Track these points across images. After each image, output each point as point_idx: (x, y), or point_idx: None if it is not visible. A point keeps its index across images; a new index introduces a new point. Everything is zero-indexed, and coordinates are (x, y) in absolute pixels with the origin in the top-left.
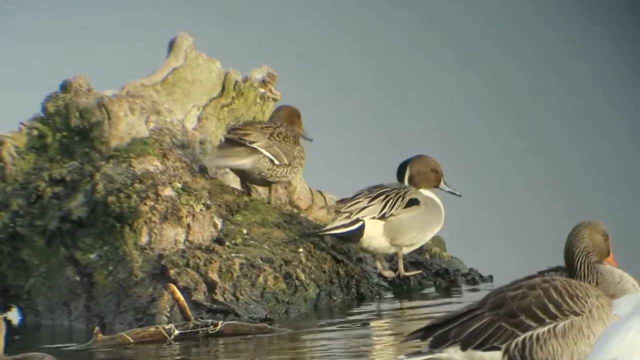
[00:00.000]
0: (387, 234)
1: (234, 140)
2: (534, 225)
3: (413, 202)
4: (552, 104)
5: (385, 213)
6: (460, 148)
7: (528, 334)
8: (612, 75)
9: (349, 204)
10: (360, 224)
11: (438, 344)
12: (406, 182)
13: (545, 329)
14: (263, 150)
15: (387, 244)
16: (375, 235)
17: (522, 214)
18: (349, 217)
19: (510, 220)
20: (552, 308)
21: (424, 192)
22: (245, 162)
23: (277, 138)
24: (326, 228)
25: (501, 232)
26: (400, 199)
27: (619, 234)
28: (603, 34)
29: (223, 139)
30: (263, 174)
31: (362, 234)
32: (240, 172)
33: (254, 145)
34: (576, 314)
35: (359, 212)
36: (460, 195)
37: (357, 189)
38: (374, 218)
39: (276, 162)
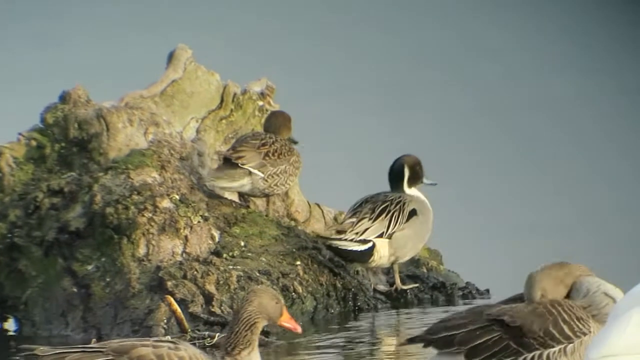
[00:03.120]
0: (392, 251)
1: (231, 162)
2: (531, 239)
3: (413, 214)
4: (551, 117)
5: (390, 231)
6: (458, 161)
7: (537, 352)
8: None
9: (356, 226)
10: (370, 244)
11: (442, 346)
12: (406, 186)
13: (557, 348)
14: (256, 172)
15: (390, 260)
16: (383, 254)
17: (520, 228)
18: (356, 238)
19: (508, 234)
20: (566, 329)
21: (415, 193)
22: (243, 182)
23: (272, 156)
24: (336, 243)
25: (498, 246)
26: (402, 212)
27: (617, 244)
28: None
29: (221, 161)
30: (266, 191)
31: (372, 255)
32: (239, 192)
33: (246, 167)
34: (584, 334)
35: (364, 232)
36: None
37: (353, 202)
38: (380, 236)
39: (269, 181)
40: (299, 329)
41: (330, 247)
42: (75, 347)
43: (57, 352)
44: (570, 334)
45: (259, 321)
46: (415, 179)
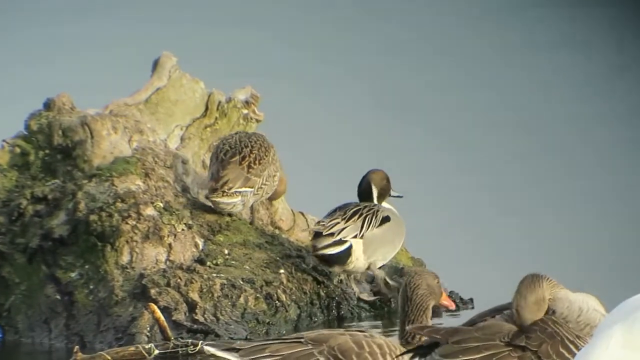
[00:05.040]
0: (366, 252)
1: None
2: (515, 248)
3: (385, 220)
4: (538, 129)
5: (364, 232)
6: (442, 169)
7: None
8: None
9: (329, 226)
10: (348, 244)
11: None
12: (375, 200)
13: None
14: (245, 189)
15: (366, 263)
16: (359, 254)
17: (504, 237)
18: (332, 238)
19: (492, 243)
20: (573, 348)
21: (386, 205)
22: (233, 201)
23: (254, 165)
24: (319, 247)
25: (482, 255)
26: (375, 216)
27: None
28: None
29: (210, 192)
30: (259, 201)
31: (350, 255)
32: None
33: (234, 190)
34: None
35: (340, 232)
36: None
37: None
38: (355, 237)
39: (259, 192)
40: (454, 306)
41: (316, 256)
42: (273, 338)
43: (256, 344)
44: (576, 351)
45: (430, 303)
46: (383, 194)
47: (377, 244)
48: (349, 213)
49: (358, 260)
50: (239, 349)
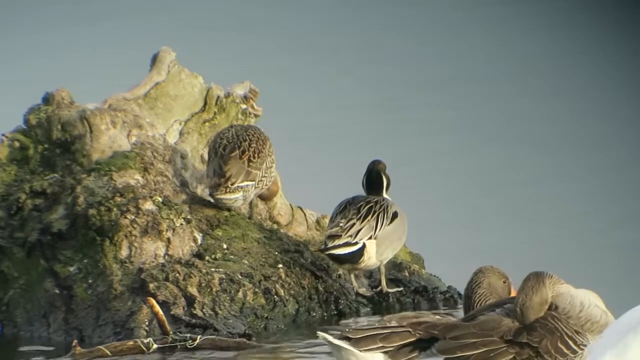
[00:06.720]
0: (379, 251)
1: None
2: (513, 244)
3: (394, 216)
4: (540, 124)
5: (377, 232)
6: (442, 165)
7: None
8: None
9: (346, 228)
10: (361, 244)
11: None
12: (385, 192)
13: None
14: (247, 183)
15: (377, 261)
16: (372, 254)
17: (501, 231)
18: (348, 240)
19: (491, 239)
20: (571, 344)
21: (389, 198)
22: (236, 196)
23: (254, 159)
24: (329, 246)
25: (481, 251)
26: (385, 213)
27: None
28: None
29: (212, 185)
30: (259, 193)
31: (362, 255)
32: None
33: (237, 185)
34: (585, 346)
35: (357, 235)
36: None
37: (335, 205)
38: (370, 238)
39: (260, 185)
40: None
41: (329, 256)
42: (381, 327)
43: (367, 334)
44: (575, 347)
45: (490, 302)
46: (389, 185)
47: (388, 241)
48: (363, 212)
49: (370, 259)
50: (352, 338)
